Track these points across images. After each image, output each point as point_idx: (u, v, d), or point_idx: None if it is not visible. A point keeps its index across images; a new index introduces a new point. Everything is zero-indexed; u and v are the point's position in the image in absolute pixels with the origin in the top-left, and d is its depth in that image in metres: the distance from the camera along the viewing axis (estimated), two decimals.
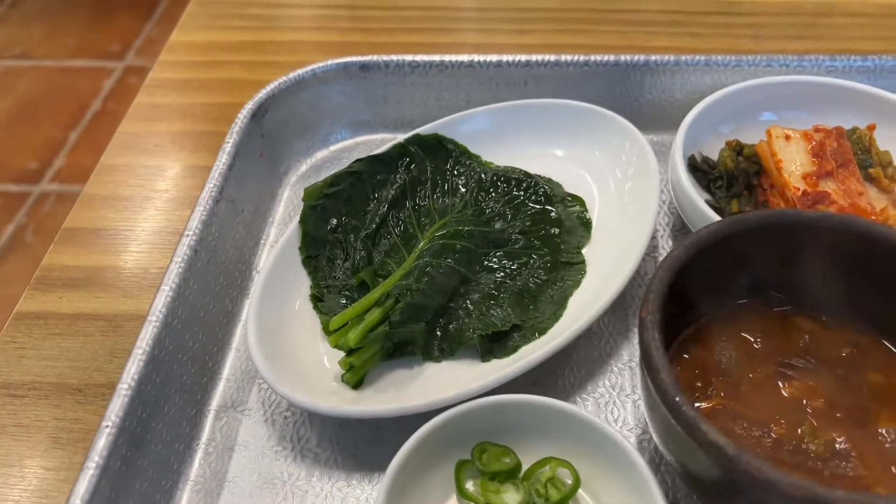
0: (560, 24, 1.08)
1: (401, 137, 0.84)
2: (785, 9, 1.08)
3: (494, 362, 0.66)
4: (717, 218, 0.70)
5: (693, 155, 0.81)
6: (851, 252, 0.61)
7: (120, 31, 2.87)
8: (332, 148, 0.91)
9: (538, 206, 0.79)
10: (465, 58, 0.88)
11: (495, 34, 1.07)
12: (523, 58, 0.88)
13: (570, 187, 0.81)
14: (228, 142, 0.79)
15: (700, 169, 0.80)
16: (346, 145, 0.92)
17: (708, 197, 0.79)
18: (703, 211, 0.71)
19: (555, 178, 0.82)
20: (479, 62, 0.88)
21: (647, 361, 0.54)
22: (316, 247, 0.74)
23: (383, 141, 0.88)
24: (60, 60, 2.83)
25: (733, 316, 0.65)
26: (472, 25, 1.09)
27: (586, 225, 0.77)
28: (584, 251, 0.75)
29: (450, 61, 0.88)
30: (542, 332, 0.68)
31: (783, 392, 0.60)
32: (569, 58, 0.87)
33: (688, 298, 0.62)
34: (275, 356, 0.65)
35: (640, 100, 0.89)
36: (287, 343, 0.67)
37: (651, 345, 0.54)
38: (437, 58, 0.89)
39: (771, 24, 1.06)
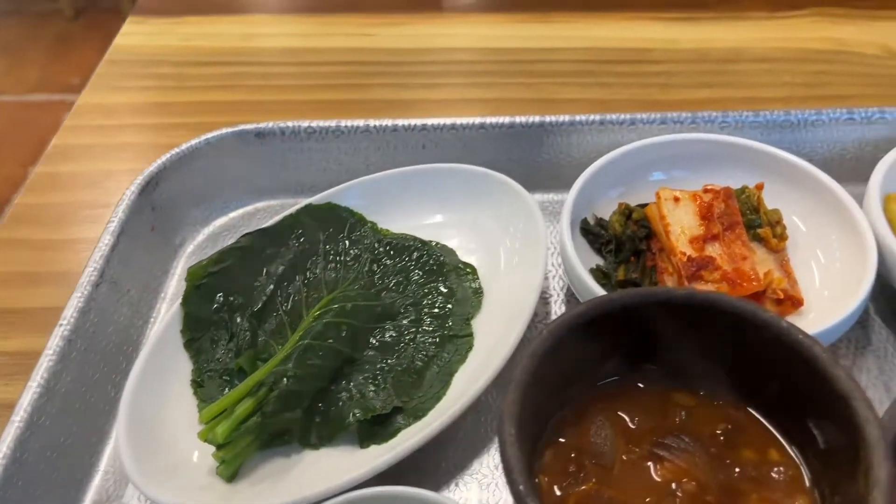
0: (469, 77, 1.08)
1: (303, 201, 0.83)
2: (694, 56, 1.09)
3: (374, 448, 0.65)
4: (596, 289, 0.70)
5: (586, 218, 0.81)
6: (719, 329, 0.61)
7: (79, 64, 2.84)
8: (232, 215, 0.90)
9: (430, 277, 0.78)
10: (360, 123, 0.88)
11: (405, 89, 1.06)
12: (419, 122, 0.87)
13: (463, 254, 0.80)
14: (113, 220, 0.77)
15: (592, 232, 0.80)
16: (247, 211, 0.91)
17: (601, 261, 0.79)
18: (585, 281, 0.71)
19: (450, 245, 0.81)
20: (374, 126, 0.88)
21: (503, 461, 0.53)
22: (199, 328, 0.73)
23: (284, 206, 0.87)
24: (21, 95, 2.81)
25: (611, 394, 0.64)
26: (384, 80, 1.09)
27: (477, 294, 0.76)
28: (473, 322, 0.74)
29: (345, 126, 0.88)
30: (425, 412, 0.67)
31: (655, 475, 0.60)
32: (464, 121, 0.87)
33: (559, 381, 0.61)
34: (146, 450, 0.63)
35: (537, 160, 0.88)
36: (163, 433, 0.66)
37: (507, 441, 0.53)
38: (332, 123, 0.88)
39: (680, 71, 1.06)
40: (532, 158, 0.88)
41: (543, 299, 0.80)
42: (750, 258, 0.73)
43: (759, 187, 0.79)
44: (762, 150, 0.81)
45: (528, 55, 1.11)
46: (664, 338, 0.63)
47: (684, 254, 0.74)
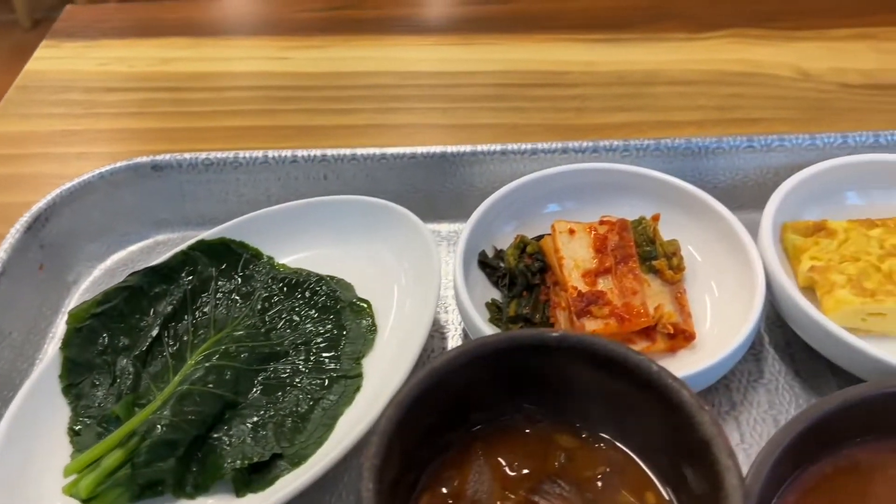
0: (384, 101, 1.06)
1: (204, 234, 0.81)
2: (611, 78, 1.08)
3: (250, 497, 0.63)
4: (481, 326, 0.69)
5: (485, 250, 0.79)
6: (594, 371, 0.60)
7: None
8: (130, 249, 0.88)
9: (323, 313, 0.76)
10: (258, 154, 0.86)
11: (319, 115, 1.05)
12: (318, 153, 0.86)
13: (361, 289, 0.79)
14: None
15: (490, 265, 0.79)
16: (146, 245, 0.88)
17: (498, 295, 0.78)
18: (471, 317, 0.69)
19: (348, 279, 0.80)
20: (273, 157, 0.86)
21: None
22: (79, 373, 0.71)
23: (185, 238, 0.85)
24: None
25: (492, 437, 0.63)
26: (297, 105, 1.07)
27: (370, 332, 0.75)
28: (365, 360, 0.73)
29: (243, 157, 0.86)
30: (305, 458, 0.65)
31: None
32: (365, 152, 0.86)
33: (436, 426, 0.60)
34: None
35: (441, 190, 0.87)
36: (29, 489, 0.63)
37: (364, 499, 0.52)
38: (230, 154, 0.86)
39: (596, 95, 1.06)
40: (435, 189, 0.87)
41: (441, 334, 0.79)
42: (640, 292, 0.72)
43: (655, 218, 0.79)
44: (659, 178, 0.80)
45: (446, 79, 1.10)
46: (543, 379, 0.62)
47: (575, 288, 0.73)
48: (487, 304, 0.76)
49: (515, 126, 1.01)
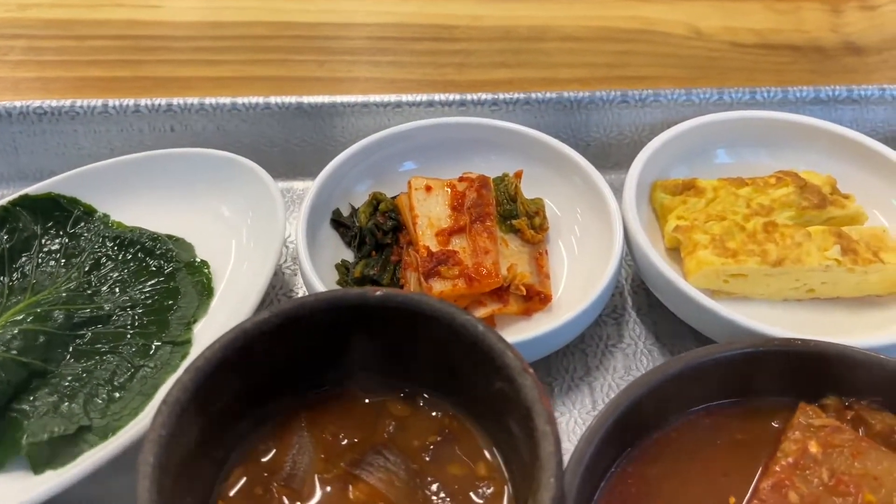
0: (255, 53, 0.99)
1: (31, 188, 0.74)
2: (497, 34, 1.03)
3: (49, 473, 0.58)
4: (317, 287, 0.64)
5: (339, 209, 0.74)
6: (424, 332, 0.55)
7: None
8: None
9: (156, 275, 0.70)
10: (97, 103, 0.79)
11: (187, 66, 0.97)
12: (164, 102, 0.79)
13: (203, 248, 0.73)
14: None
15: (344, 224, 0.73)
16: None
17: (350, 256, 0.72)
18: (310, 279, 0.64)
19: (189, 237, 0.74)
20: (113, 107, 0.79)
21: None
22: None
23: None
24: None
25: (320, 405, 0.58)
26: (164, 56, 0.99)
27: (207, 294, 0.69)
28: (198, 325, 0.67)
29: (81, 107, 0.79)
30: (116, 431, 0.60)
31: (349, 497, 0.54)
32: (213, 101, 0.79)
33: (249, 395, 0.55)
34: None
35: (300, 144, 0.81)
36: None
37: (141, 473, 0.46)
38: (66, 103, 0.79)
39: (480, 50, 1.01)
40: (293, 143, 0.81)
41: (289, 298, 0.73)
42: (493, 252, 0.68)
43: (518, 175, 0.74)
44: (524, 133, 0.76)
45: (324, 30, 1.03)
46: (373, 343, 0.57)
47: (426, 248, 0.68)
48: (337, 266, 0.71)
49: (393, 81, 0.96)
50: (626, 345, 0.69)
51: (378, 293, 0.56)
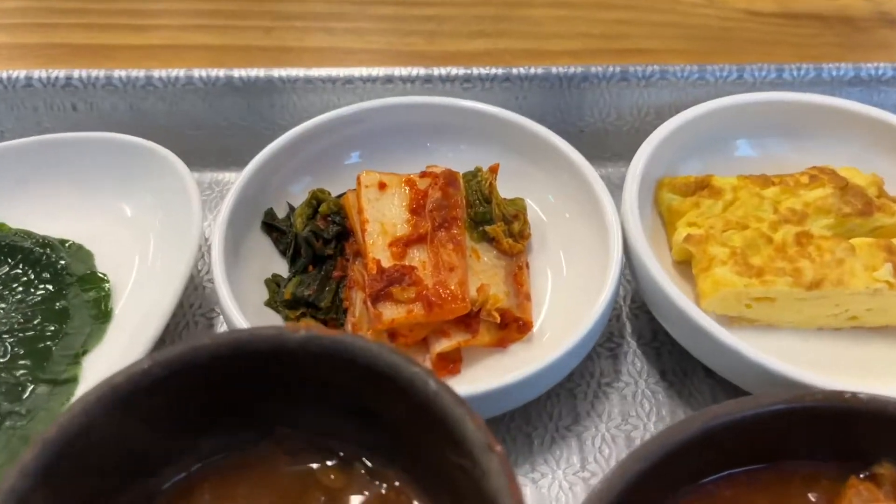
0: (189, 17, 0.84)
1: None
2: None
3: None
4: (235, 319, 0.50)
5: (272, 209, 0.60)
6: (361, 386, 0.42)
7: None
8: None
9: (42, 292, 0.56)
10: None
11: (104, 31, 0.82)
12: (62, 74, 0.65)
13: (104, 256, 0.59)
14: None
15: (279, 229, 0.60)
16: None
17: (284, 268, 0.59)
18: (225, 305, 0.51)
19: (89, 242, 0.60)
20: (3, 79, 0.64)
21: None
22: None
23: None
24: None
25: (228, 472, 0.45)
26: (78, 19, 0.84)
27: (103, 317, 0.55)
28: (89, 356, 0.54)
29: None
30: None
31: None
32: (123, 74, 0.65)
33: (133, 466, 0.42)
34: None
35: (231, 128, 0.67)
36: None
37: None
38: None
39: (454, 16, 0.86)
40: (222, 127, 0.67)
41: (207, 319, 0.59)
42: (460, 268, 0.54)
43: (493, 169, 0.60)
44: (502, 118, 0.61)
45: None
46: (299, 394, 0.44)
47: (376, 262, 0.54)
48: (267, 282, 0.57)
49: (350, 52, 0.81)
50: (624, 384, 0.56)
51: (299, 334, 0.42)
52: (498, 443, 0.38)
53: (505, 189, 0.60)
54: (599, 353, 0.57)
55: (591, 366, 0.57)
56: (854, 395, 0.46)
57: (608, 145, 0.66)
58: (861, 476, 0.46)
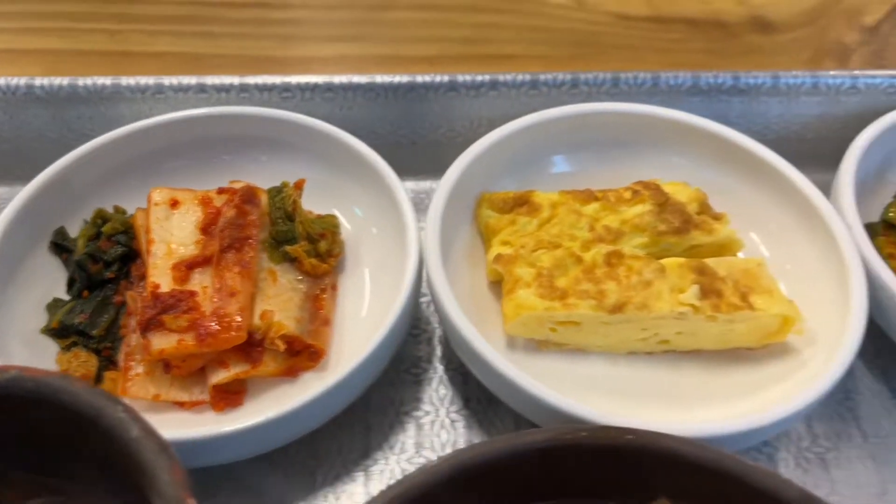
0: (35, 20, 0.80)
1: None
2: (340, 1, 0.85)
3: None
4: None
5: (63, 228, 0.56)
6: (69, 425, 0.39)
7: None
8: None
9: None
10: None
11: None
12: None
13: None
14: None
15: (68, 249, 0.56)
16: None
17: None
18: None
19: None
20: None
21: None
22: None
23: None
24: None
25: None
26: None
27: None
28: None
29: None
30: None
31: None
32: None
33: None
34: None
35: (37, 138, 0.63)
36: None
37: None
38: None
39: (313, 20, 0.83)
40: (23, 137, 0.63)
41: None
42: (242, 293, 0.50)
43: (299, 185, 0.57)
44: (315, 129, 0.58)
45: None
46: (21, 436, 0.41)
47: (155, 286, 0.51)
48: (49, 306, 0.54)
49: (198, 57, 0.78)
50: (424, 412, 0.53)
51: (5, 375, 0.39)
52: (191, 497, 0.35)
53: (315, 204, 0.57)
54: (404, 380, 0.54)
55: (391, 393, 0.54)
56: (619, 430, 0.43)
57: (441, 158, 0.63)
58: None
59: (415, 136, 0.66)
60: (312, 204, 0.58)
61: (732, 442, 0.46)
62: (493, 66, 0.79)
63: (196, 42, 0.79)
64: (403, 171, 0.58)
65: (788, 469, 0.51)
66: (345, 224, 0.59)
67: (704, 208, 0.58)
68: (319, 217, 0.58)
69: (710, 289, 0.52)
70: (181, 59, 0.78)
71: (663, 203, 0.57)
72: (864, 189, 0.60)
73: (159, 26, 0.81)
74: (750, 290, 0.52)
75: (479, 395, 0.54)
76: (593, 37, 0.83)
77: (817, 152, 0.62)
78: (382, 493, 0.38)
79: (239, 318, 0.49)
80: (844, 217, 0.55)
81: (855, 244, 0.53)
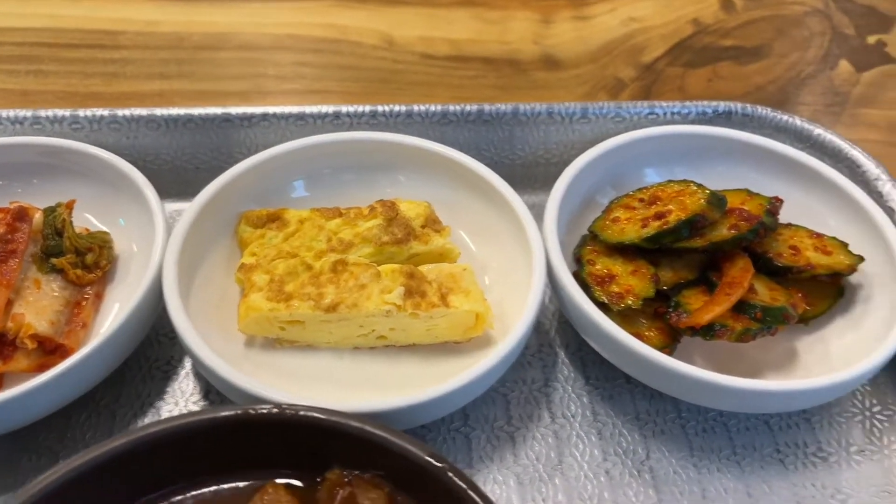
0: None
1: None
2: (168, 41, 0.93)
3: None
4: None
5: None
6: None
7: None
8: None
9: None
10: None
11: None
12: None
13: None
14: None
15: None
16: None
17: None
18: None
19: None
20: None
21: None
22: None
23: None
24: None
25: None
26: None
27: None
28: None
29: None
30: None
31: None
32: None
33: None
34: None
35: None
36: None
37: None
38: None
39: (141, 59, 0.90)
40: None
41: None
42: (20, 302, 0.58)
43: (69, 206, 0.64)
44: (91, 155, 0.66)
45: None
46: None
47: None
48: None
49: (25, 94, 0.85)
50: (173, 404, 0.60)
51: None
52: None
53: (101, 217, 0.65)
54: (154, 375, 0.62)
55: (141, 387, 0.61)
56: (293, 407, 0.50)
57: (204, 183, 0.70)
58: (318, 480, 0.51)
59: (198, 163, 0.74)
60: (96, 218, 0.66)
61: (415, 413, 0.54)
62: (301, 100, 0.87)
63: (26, 80, 0.87)
64: (174, 194, 0.66)
65: (480, 444, 0.59)
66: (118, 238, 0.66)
67: (430, 222, 0.66)
68: (90, 233, 0.65)
69: (415, 290, 0.60)
70: (5, 96, 0.86)
71: (392, 218, 0.65)
72: (583, 206, 0.69)
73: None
74: (450, 291, 0.60)
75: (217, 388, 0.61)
76: (394, 74, 0.92)
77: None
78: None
79: None
80: (545, 228, 0.63)
81: (544, 247, 0.62)
